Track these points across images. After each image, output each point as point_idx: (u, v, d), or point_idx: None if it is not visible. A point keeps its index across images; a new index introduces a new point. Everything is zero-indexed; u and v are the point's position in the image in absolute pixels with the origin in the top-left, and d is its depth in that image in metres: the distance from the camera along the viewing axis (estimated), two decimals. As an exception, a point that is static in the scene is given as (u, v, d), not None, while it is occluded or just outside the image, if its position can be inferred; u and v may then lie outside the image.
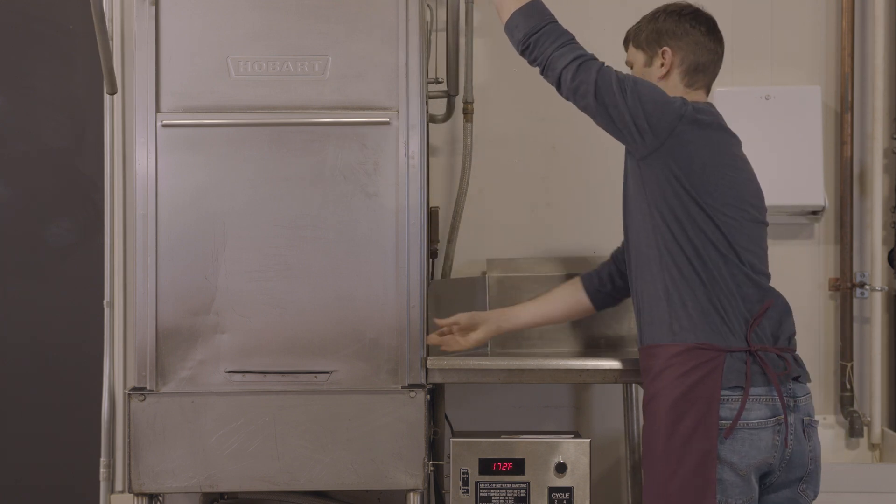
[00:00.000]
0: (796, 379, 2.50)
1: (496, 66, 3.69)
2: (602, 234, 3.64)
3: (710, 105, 2.60)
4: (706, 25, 2.67)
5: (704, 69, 2.65)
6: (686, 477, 2.39)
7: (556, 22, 2.61)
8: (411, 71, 2.86)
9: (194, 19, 2.87)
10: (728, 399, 2.40)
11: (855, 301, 3.65)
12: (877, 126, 3.62)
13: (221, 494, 3.38)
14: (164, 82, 2.87)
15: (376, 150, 2.86)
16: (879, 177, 3.62)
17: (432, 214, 3.25)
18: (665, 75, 2.64)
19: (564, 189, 3.69)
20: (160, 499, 2.92)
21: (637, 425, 3.45)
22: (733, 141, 2.58)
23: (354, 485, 2.85)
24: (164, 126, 2.86)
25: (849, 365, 3.62)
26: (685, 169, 2.46)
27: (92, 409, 3.66)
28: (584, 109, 2.56)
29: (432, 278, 3.36)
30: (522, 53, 2.63)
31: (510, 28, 2.62)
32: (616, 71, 2.54)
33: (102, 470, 3.64)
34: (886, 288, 3.64)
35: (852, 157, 3.64)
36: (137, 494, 2.85)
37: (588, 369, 2.91)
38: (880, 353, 3.62)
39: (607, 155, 3.68)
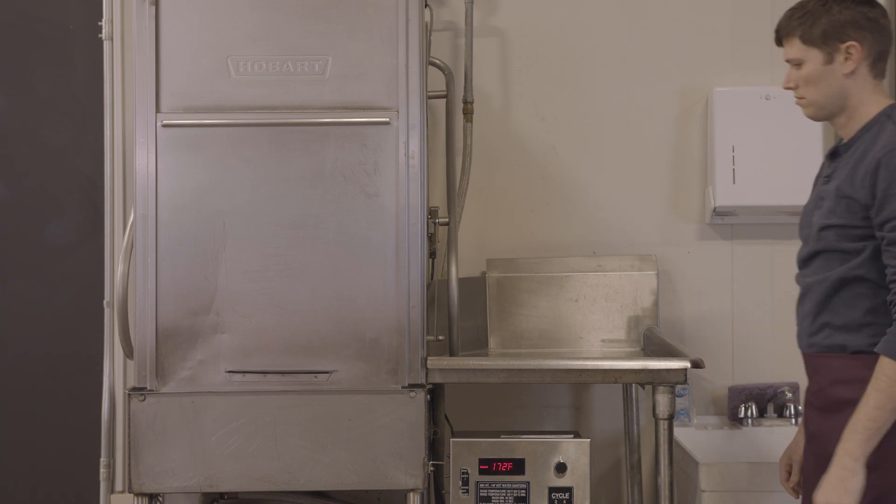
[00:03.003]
0: None
1: (496, 65, 3.69)
2: (602, 235, 3.64)
3: None
4: (879, 7, 2.45)
5: (886, 56, 2.45)
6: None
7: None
8: (411, 71, 2.86)
9: (194, 19, 2.87)
10: None
11: (855, 301, 3.65)
12: (877, 126, 3.61)
13: (221, 494, 3.38)
14: (164, 82, 2.87)
15: (376, 150, 2.86)
16: (879, 177, 3.61)
17: (432, 214, 3.25)
18: (853, 71, 2.41)
19: (564, 189, 3.69)
20: (160, 499, 2.92)
21: (637, 425, 3.44)
22: None
23: (354, 485, 2.85)
24: (164, 126, 2.86)
25: (849, 365, 3.61)
26: None
27: (92, 410, 3.66)
28: None
29: (432, 278, 3.36)
30: None
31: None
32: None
33: (102, 470, 3.64)
34: (886, 288, 3.64)
35: (852, 157, 3.63)
36: (137, 494, 2.85)
37: (588, 369, 2.91)
38: (880, 353, 3.62)
39: (607, 155, 3.70)
